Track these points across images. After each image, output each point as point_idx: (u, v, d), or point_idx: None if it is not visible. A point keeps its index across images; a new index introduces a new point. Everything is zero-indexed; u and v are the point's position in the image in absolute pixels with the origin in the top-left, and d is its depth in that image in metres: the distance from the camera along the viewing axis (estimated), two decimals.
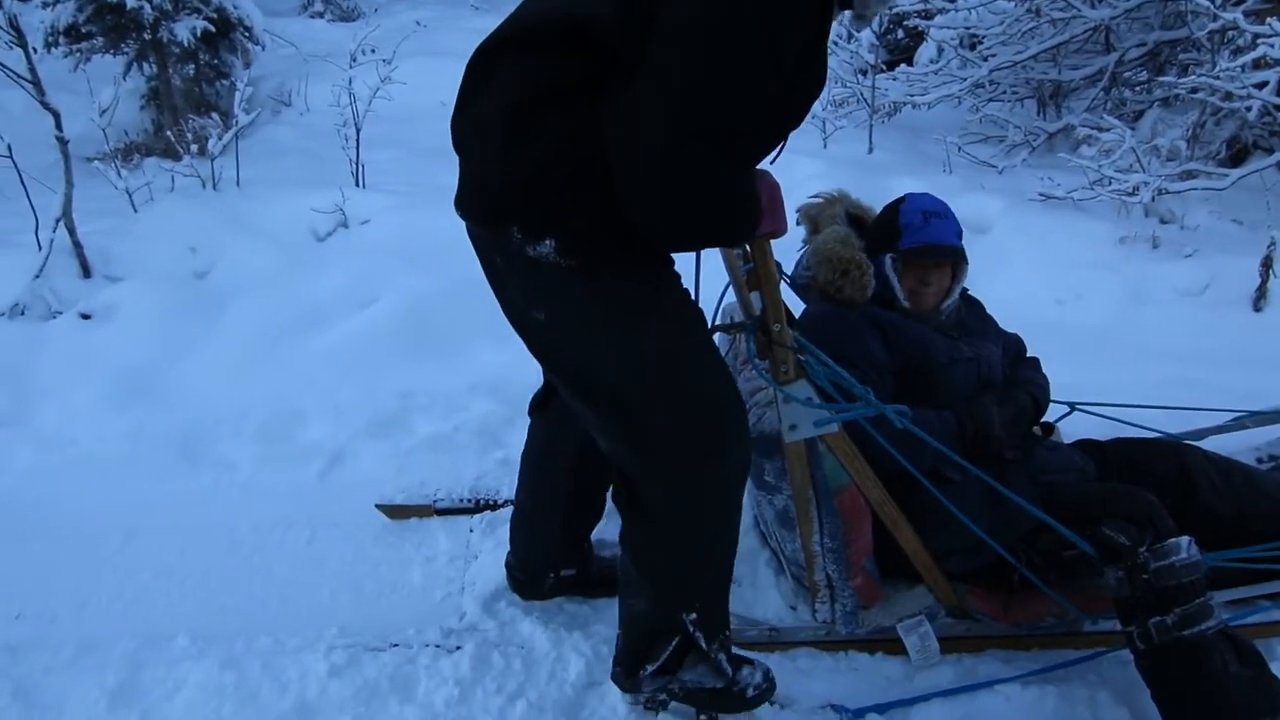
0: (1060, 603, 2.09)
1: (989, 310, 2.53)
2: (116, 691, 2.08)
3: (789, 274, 2.40)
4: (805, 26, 1.42)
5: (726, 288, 2.29)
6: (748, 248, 1.99)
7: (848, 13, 1.58)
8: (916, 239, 2.28)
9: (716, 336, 2.14)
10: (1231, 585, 2.12)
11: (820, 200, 2.54)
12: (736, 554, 1.89)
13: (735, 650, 1.94)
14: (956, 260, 2.32)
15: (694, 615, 1.84)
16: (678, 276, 1.77)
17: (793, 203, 1.77)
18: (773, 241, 1.79)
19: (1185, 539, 1.88)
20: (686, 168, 1.42)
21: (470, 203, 1.66)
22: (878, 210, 2.47)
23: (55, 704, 2.07)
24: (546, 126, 1.51)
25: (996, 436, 2.14)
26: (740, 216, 1.62)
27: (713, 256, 2.16)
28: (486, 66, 1.59)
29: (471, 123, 1.62)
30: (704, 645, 1.86)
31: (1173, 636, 1.82)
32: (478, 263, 1.75)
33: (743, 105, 1.42)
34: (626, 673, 1.93)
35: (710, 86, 1.37)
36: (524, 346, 1.78)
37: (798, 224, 2.49)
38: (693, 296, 1.83)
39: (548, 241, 1.55)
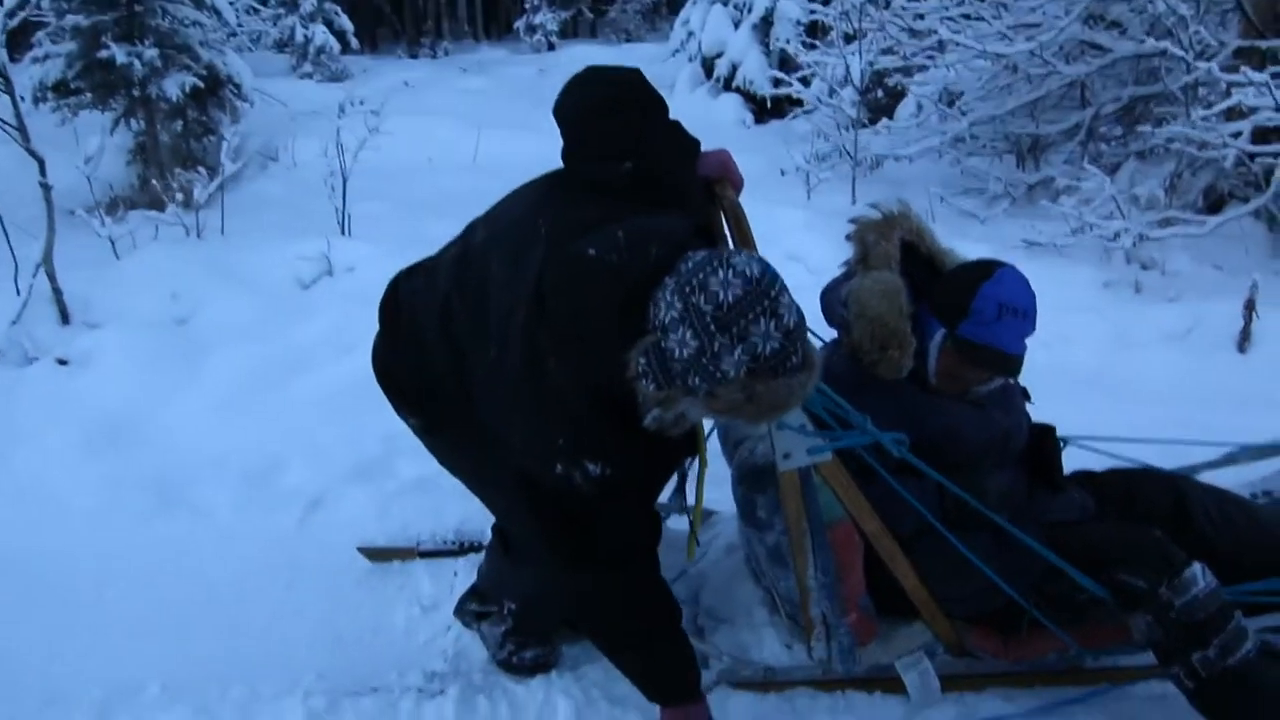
0: (1063, 638, 2.03)
1: None
2: None
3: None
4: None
5: None
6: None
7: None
8: (978, 334, 1.97)
9: None
10: None
11: (878, 219, 2.16)
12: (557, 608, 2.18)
13: (531, 650, 2.27)
14: (1011, 372, 2.05)
15: (514, 606, 2.20)
16: None
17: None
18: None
19: (1198, 566, 1.85)
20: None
21: None
22: (939, 238, 2.19)
23: None
24: None
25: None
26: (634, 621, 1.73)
27: None
28: None
29: None
30: (506, 625, 2.23)
31: (1219, 668, 1.80)
32: None
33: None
34: (459, 604, 2.35)
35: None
36: None
37: (847, 239, 2.18)
38: None
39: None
